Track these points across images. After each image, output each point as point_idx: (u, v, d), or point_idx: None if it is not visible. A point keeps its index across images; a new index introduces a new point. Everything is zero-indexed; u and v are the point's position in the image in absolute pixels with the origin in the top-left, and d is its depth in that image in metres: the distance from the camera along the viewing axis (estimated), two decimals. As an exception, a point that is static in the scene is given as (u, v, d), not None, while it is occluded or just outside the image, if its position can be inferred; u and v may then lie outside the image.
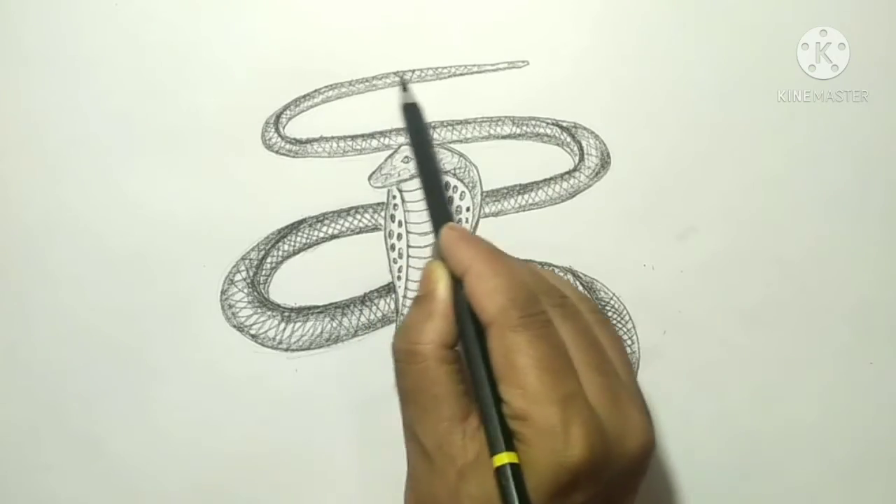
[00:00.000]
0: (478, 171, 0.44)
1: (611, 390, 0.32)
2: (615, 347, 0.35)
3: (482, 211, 0.44)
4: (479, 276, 0.33)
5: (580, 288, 0.43)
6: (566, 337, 0.33)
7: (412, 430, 0.34)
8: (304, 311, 0.44)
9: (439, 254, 0.36)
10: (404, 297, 0.43)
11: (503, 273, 0.33)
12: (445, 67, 0.45)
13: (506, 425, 0.31)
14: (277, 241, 0.44)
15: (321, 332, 0.43)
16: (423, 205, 0.43)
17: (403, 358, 0.34)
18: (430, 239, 0.43)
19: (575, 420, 0.30)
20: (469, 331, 0.34)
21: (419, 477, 0.34)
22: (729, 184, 0.44)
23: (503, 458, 0.31)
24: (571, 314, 0.34)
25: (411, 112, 0.41)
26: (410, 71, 0.45)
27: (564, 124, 0.45)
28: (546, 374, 0.31)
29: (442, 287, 0.35)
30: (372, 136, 0.45)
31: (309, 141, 0.45)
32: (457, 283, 0.35)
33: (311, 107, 0.45)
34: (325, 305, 0.44)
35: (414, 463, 0.34)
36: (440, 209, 0.38)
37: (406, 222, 0.44)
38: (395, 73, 0.44)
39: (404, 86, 0.42)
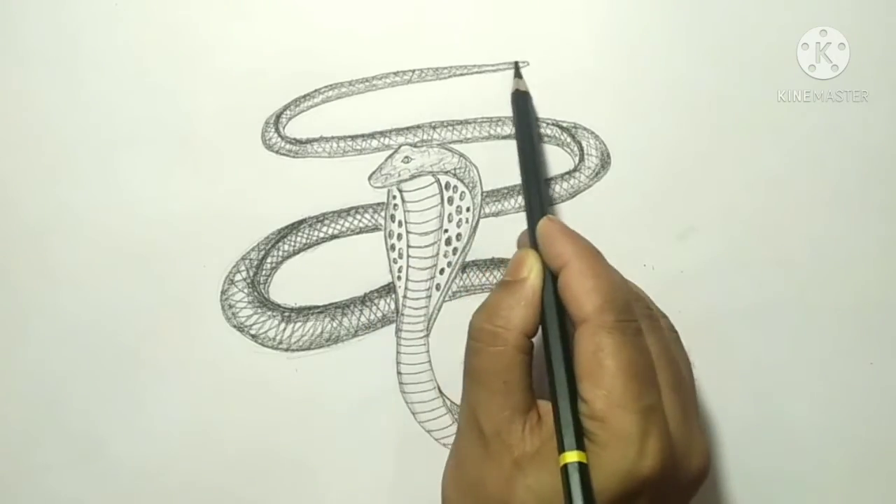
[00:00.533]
0: (478, 172, 0.44)
1: (683, 409, 0.33)
2: (687, 367, 0.36)
3: (482, 211, 0.44)
4: (579, 272, 0.33)
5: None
6: (653, 348, 0.33)
7: (474, 411, 0.34)
8: (304, 311, 0.44)
9: (534, 244, 0.36)
10: (404, 297, 0.43)
11: (602, 274, 0.34)
12: (445, 67, 0.45)
13: (580, 424, 0.31)
14: (277, 241, 0.44)
15: (321, 332, 0.43)
16: (423, 205, 0.43)
17: (484, 338, 0.34)
18: (432, 239, 0.44)
19: (652, 432, 0.31)
20: (557, 325, 0.34)
21: (469, 459, 0.34)
22: (729, 184, 0.44)
23: (573, 456, 0.31)
24: (656, 328, 0.35)
25: (521, 101, 0.41)
26: (410, 71, 0.45)
27: (564, 124, 0.45)
28: (633, 381, 0.31)
29: (535, 276, 0.35)
30: (372, 136, 0.45)
31: (309, 141, 0.45)
32: (549, 275, 0.35)
33: (311, 107, 0.45)
34: (325, 305, 0.44)
35: (466, 445, 0.34)
36: (537, 199, 0.38)
37: (406, 222, 0.44)
38: (514, 63, 0.44)
39: (518, 72, 0.43)
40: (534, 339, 0.34)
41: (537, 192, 0.39)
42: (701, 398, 0.42)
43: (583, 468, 0.30)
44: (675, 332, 0.37)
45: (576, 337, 0.33)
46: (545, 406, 0.34)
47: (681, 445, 0.32)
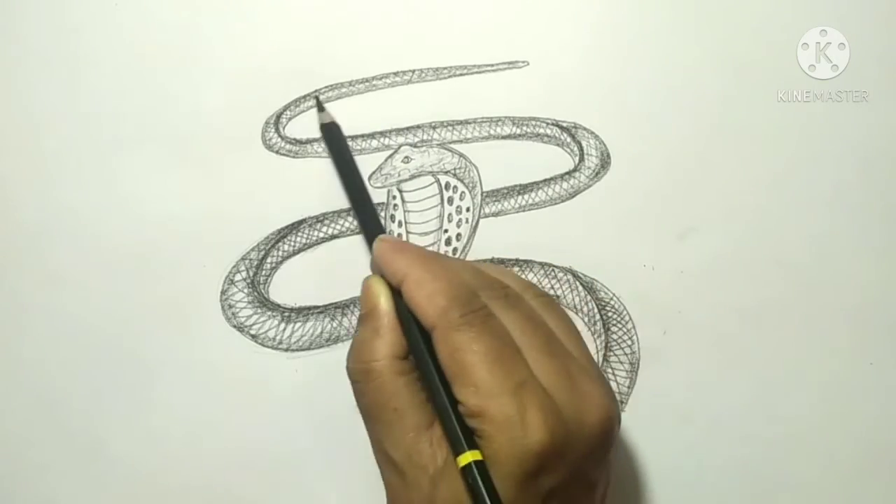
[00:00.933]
0: (478, 172, 0.44)
1: (563, 370, 0.33)
2: (564, 328, 0.35)
3: (482, 211, 0.44)
4: (416, 282, 0.34)
5: (580, 288, 0.43)
6: (512, 325, 0.33)
7: (381, 447, 0.34)
8: (304, 311, 0.44)
9: (376, 267, 0.36)
10: (404, 297, 0.43)
11: (439, 276, 0.34)
12: (445, 67, 0.45)
13: (464, 425, 0.32)
14: (277, 241, 0.44)
15: (321, 332, 0.43)
16: (423, 205, 0.43)
17: (359, 378, 0.34)
18: (431, 239, 0.44)
19: (530, 406, 0.31)
20: (415, 339, 0.34)
21: (395, 494, 0.34)
22: (729, 184, 0.44)
23: (466, 458, 0.31)
24: (514, 303, 0.34)
25: (330, 131, 0.42)
26: (410, 71, 0.45)
27: (564, 124, 0.45)
28: (495, 366, 0.31)
29: (383, 300, 0.35)
30: (372, 136, 0.45)
31: (309, 141, 0.45)
32: (397, 293, 0.35)
33: (312, 107, 0.45)
34: (325, 305, 0.44)
35: (388, 481, 0.34)
36: (371, 222, 0.39)
37: (406, 222, 0.44)
38: (314, 93, 0.44)
39: (320, 106, 0.43)
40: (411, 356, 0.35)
41: (370, 215, 0.40)
42: (701, 398, 0.43)
43: (479, 465, 0.31)
44: (547, 296, 0.36)
45: (433, 344, 0.33)
46: None
47: (569, 407, 0.32)
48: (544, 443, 0.30)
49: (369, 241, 0.38)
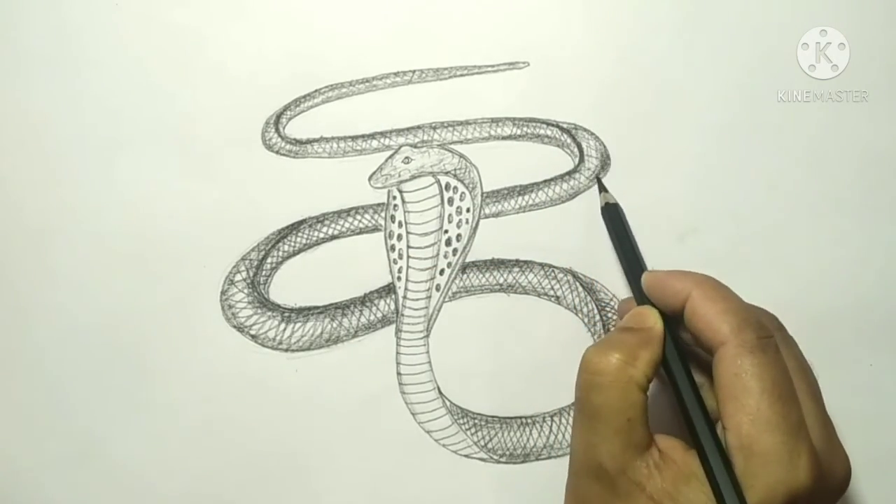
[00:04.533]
0: (478, 172, 0.44)
1: (824, 421, 0.33)
2: (815, 380, 0.35)
3: (482, 212, 0.44)
4: (705, 298, 0.33)
5: (580, 289, 0.43)
6: (789, 364, 0.33)
7: (594, 449, 0.33)
8: (304, 312, 0.44)
9: (643, 299, 0.36)
10: (404, 297, 0.43)
11: (729, 296, 0.33)
12: (445, 67, 0.45)
13: (731, 469, 0.31)
14: (277, 242, 0.44)
15: (321, 333, 0.43)
16: (423, 205, 0.43)
17: (606, 372, 0.33)
18: (432, 239, 0.44)
19: (802, 450, 0.30)
20: (685, 365, 0.34)
21: (594, 501, 0.33)
22: (729, 184, 0.44)
23: None
24: (788, 342, 0.34)
25: (613, 211, 0.42)
26: (410, 71, 0.45)
27: (564, 125, 0.45)
28: (779, 401, 0.31)
29: (659, 325, 0.35)
30: (372, 136, 0.45)
31: (309, 141, 0.45)
32: (668, 322, 0.35)
33: (311, 107, 0.45)
34: (325, 306, 0.44)
35: (586, 486, 0.33)
36: (634, 262, 0.39)
37: (406, 223, 0.44)
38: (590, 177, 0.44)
39: (602, 187, 0.43)
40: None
41: (632, 254, 0.40)
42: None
43: None
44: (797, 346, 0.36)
45: (715, 361, 0.32)
46: (662, 441, 0.33)
47: (826, 458, 0.32)
48: (807, 489, 0.30)
49: (633, 276, 0.38)
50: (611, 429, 0.32)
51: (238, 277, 0.44)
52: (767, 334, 0.32)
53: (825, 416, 0.33)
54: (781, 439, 0.30)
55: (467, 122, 0.45)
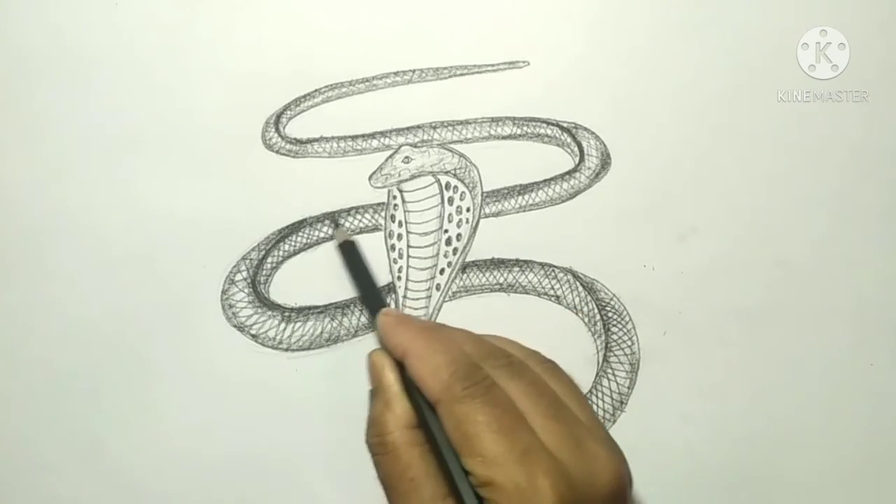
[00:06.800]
0: (478, 172, 0.44)
1: (570, 434, 0.33)
2: (570, 393, 0.35)
3: (482, 211, 0.44)
4: (418, 357, 0.34)
5: (580, 288, 0.43)
6: (516, 393, 0.33)
7: None
8: (304, 311, 0.44)
9: (380, 341, 0.37)
10: (404, 297, 0.43)
11: (440, 350, 0.34)
12: (445, 67, 0.45)
13: (478, 495, 0.32)
14: (278, 241, 0.44)
15: (321, 332, 0.43)
16: (423, 205, 0.43)
17: (376, 451, 0.35)
18: (432, 239, 0.44)
19: (538, 472, 0.31)
20: (422, 412, 0.34)
21: None
22: (729, 184, 0.44)
23: None
24: (518, 371, 0.35)
25: (349, 250, 0.42)
26: (410, 71, 0.45)
27: (565, 125, 0.45)
28: (500, 435, 0.32)
29: (388, 373, 0.36)
30: (372, 136, 0.45)
31: (309, 141, 0.45)
32: (401, 365, 0.36)
33: (311, 107, 0.45)
34: (325, 305, 0.44)
35: None
36: (373, 299, 0.40)
37: (406, 222, 0.44)
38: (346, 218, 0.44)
39: (336, 224, 0.43)
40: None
41: (372, 292, 0.40)
42: (701, 399, 0.43)
43: None
44: (550, 362, 0.37)
45: (439, 417, 0.33)
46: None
47: (578, 470, 0.32)
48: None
49: (372, 314, 0.38)
50: (400, 494, 0.34)
51: (238, 277, 0.44)
52: (477, 379, 0.33)
53: (577, 431, 0.33)
54: (513, 469, 0.31)
55: (467, 122, 0.45)
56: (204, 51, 0.45)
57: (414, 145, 0.44)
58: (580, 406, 0.35)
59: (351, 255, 0.42)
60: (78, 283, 0.44)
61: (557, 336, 0.43)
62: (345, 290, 0.44)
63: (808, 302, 0.43)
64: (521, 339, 0.43)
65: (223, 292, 0.44)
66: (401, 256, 0.44)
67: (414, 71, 0.45)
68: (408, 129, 0.45)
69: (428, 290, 0.43)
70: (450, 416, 0.33)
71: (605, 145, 0.44)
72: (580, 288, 0.43)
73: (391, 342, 0.36)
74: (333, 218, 0.43)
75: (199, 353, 0.43)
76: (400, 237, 0.44)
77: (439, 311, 0.43)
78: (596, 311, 0.43)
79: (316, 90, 0.45)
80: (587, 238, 0.44)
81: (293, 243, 0.44)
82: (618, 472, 0.33)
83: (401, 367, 0.36)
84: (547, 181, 0.44)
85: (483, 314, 0.43)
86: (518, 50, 0.45)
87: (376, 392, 0.36)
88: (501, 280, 0.44)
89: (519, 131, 0.45)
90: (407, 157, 0.44)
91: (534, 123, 0.45)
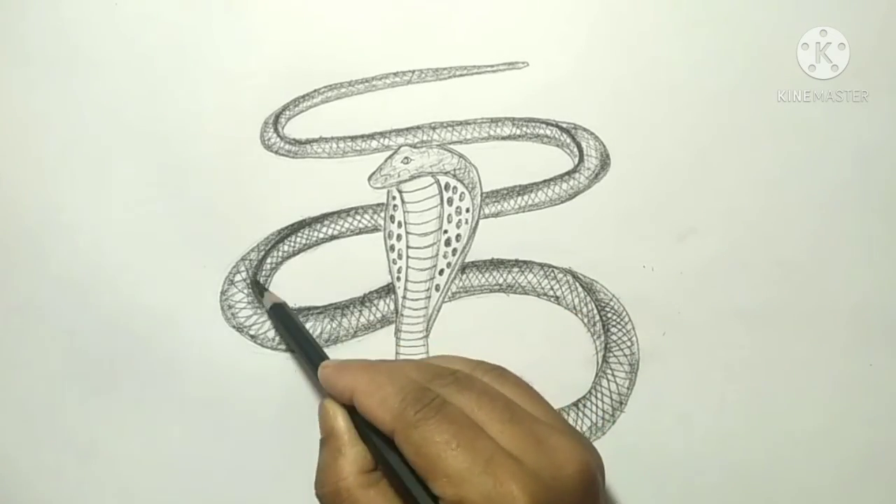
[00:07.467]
0: (478, 172, 0.44)
1: (528, 434, 0.33)
2: (523, 393, 0.35)
3: (482, 212, 0.44)
4: (365, 393, 0.34)
5: (579, 289, 0.43)
6: (469, 406, 0.33)
7: None
8: (304, 312, 0.44)
9: (326, 393, 0.37)
10: (404, 297, 0.43)
11: (385, 381, 0.34)
12: (445, 68, 0.45)
13: None
14: (277, 242, 0.44)
15: (321, 333, 0.43)
16: (423, 206, 0.43)
17: (330, 501, 0.35)
18: (431, 240, 0.44)
19: (505, 478, 0.31)
20: (380, 447, 0.34)
21: None
22: (729, 184, 0.44)
23: None
24: (466, 384, 0.34)
25: (279, 312, 0.42)
26: (410, 71, 0.45)
27: (564, 125, 0.45)
28: (460, 450, 0.31)
29: (340, 420, 0.36)
30: (372, 136, 0.45)
31: (309, 141, 0.45)
32: (352, 410, 0.35)
33: (311, 107, 0.45)
34: (325, 306, 0.44)
35: None
36: (312, 354, 0.40)
37: (406, 223, 0.44)
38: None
39: (262, 289, 0.43)
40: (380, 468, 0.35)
41: (310, 348, 0.40)
42: (701, 399, 0.43)
43: None
44: (498, 368, 0.37)
45: (398, 448, 0.33)
46: None
47: (543, 466, 0.32)
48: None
49: (314, 370, 0.38)
50: None
51: (238, 277, 0.44)
52: (427, 401, 0.33)
53: (535, 429, 0.33)
54: (480, 481, 0.31)
55: (467, 122, 0.45)
56: (203, 51, 0.45)
57: (413, 146, 0.44)
58: (535, 404, 0.35)
59: (282, 317, 0.42)
60: (76, 283, 0.44)
61: (557, 337, 0.43)
62: (344, 290, 0.44)
63: (808, 302, 0.43)
64: (520, 339, 0.43)
65: (223, 293, 0.44)
66: (400, 257, 0.44)
67: (414, 71, 0.45)
68: (407, 129, 0.45)
69: (427, 290, 0.43)
70: (407, 443, 0.32)
71: (604, 146, 0.44)
72: (579, 288, 0.43)
73: (337, 388, 0.36)
74: (258, 283, 0.43)
75: (198, 353, 0.43)
76: (399, 238, 0.44)
77: (439, 311, 0.43)
78: (595, 311, 0.43)
79: (315, 90, 0.45)
80: (586, 238, 0.44)
81: (293, 244, 0.44)
82: (583, 460, 0.33)
83: (352, 412, 0.35)
84: (546, 182, 0.44)
85: (482, 315, 0.43)
86: (517, 50, 0.45)
87: (327, 441, 0.36)
88: (501, 281, 0.44)
89: (518, 132, 0.45)
90: (406, 158, 0.44)
91: (533, 124, 0.45)
